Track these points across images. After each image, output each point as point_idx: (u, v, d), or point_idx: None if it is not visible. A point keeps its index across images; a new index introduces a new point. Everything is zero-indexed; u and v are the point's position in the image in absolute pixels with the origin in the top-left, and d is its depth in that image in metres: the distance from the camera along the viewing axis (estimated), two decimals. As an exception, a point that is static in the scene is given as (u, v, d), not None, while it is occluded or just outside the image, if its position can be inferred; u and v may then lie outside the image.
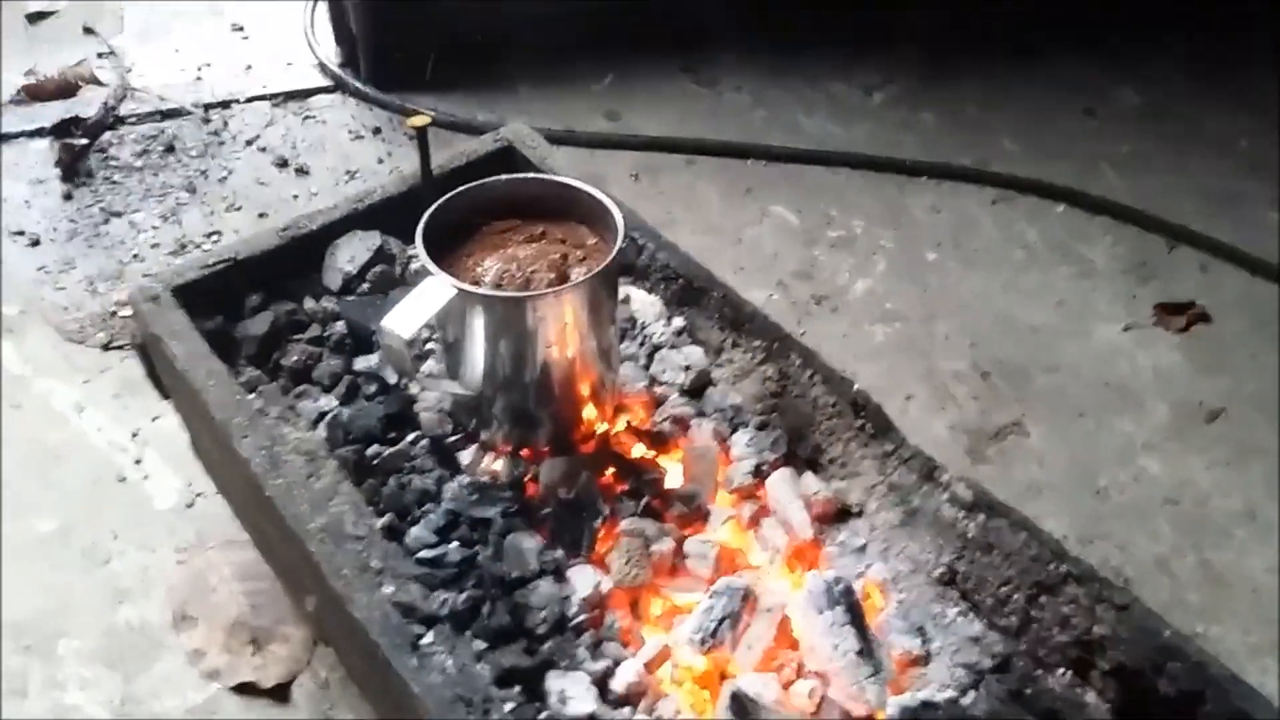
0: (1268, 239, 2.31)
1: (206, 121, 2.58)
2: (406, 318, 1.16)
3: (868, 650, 1.13)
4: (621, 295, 1.44)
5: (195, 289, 1.43)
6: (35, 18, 2.90)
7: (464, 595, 1.16)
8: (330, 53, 2.77)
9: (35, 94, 2.63)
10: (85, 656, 1.62)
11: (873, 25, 2.84)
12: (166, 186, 2.41)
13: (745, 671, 1.15)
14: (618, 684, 1.12)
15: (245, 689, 1.57)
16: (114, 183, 2.41)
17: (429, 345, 1.43)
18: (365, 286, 1.49)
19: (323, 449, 1.30)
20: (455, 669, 1.10)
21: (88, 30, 2.86)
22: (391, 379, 1.39)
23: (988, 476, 1.82)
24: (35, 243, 2.27)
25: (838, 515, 1.31)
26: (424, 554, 1.20)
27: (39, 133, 2.52)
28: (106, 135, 2.51)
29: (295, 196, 2.40)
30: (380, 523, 1.22)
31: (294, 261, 1.50)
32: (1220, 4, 2.83)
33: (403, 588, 1.15)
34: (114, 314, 2.10)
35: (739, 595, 1.17)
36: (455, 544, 1.21)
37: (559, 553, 1.22)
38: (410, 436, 1.33)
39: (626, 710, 1.12)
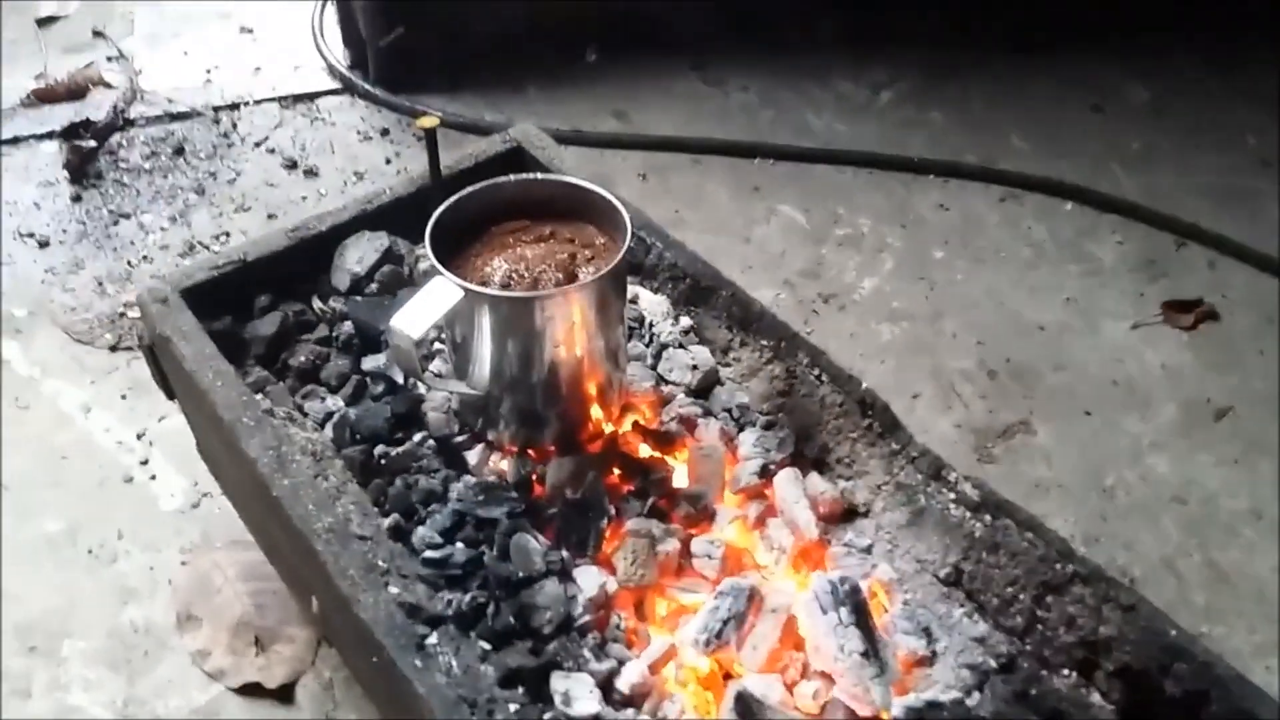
0: (1276, 236, 2.30)
1: (215, 124, 2.59)
2: (415, 318, 1.16)
3: (873, 651, 1.13)
4: (630, 295, 1.44)
5: (204, 290, 1.43)
6: (45, 21, 2.92)
7: (469, 596, 1.16)
8: (339, 55, 2.77)
9: (45, 97, 2.64)
10: (90, 657, 1.63)
11: (880, 24, 2.83)
12: (175, 188, 2.42)
13: (750, 672, 1.15)
14: (622, 685, 1.12)
15: (249, 690, 1.58)
16: (123, 185, 2.42)
17: (436, 345, 1.43)
18: (373, 287, 1.49)
19: (329, 449, 1.30)
20: (460, 670, 1.10)
21: (97, 33, 2.87)
22: (399, 379, 1.39)
23: (994, 475, 1.82)
24: (44, 244, 2.28)
25: (844, 515, 1.31)
26: (430, 554, 1.20)
27: (48, 135, 2.54)
28: (115, 137, 2.52)
29: (304, 198, 2.41)
30: (386, 523, 1.23)
31: (302, 262, 1.51)
32: (1228, 1, 2.82)
33: (408, 588, 1.15)
34: (122, 315, 2.11)
35: (744, 595, 1.17)
36: (461, 544, 1.21)
37: (565, 553, 1.22)
38: (417, 437, 1.33)
39: (631, 711, 1.12)
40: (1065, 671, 1.14)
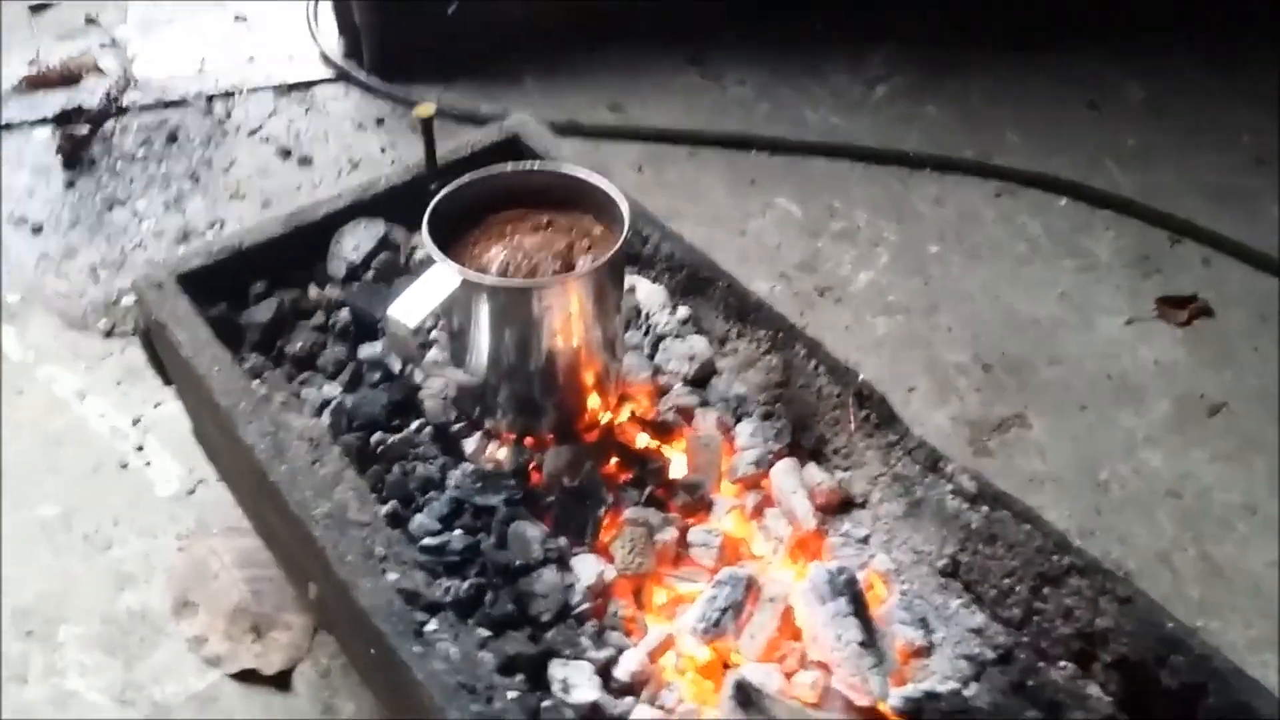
0: (1271, 233, 2.31)
1: (209, 112, 2.58)
2: (412, 306, 1.16)
3: (871, 641, 1.13)
4: (627, 285, 1.44)
5: (200, 276, 1.43)
6: (38, 8, 2.90)
7: (467, 583, 1.16)
8: (333, 43, 2.76)
9: (38, 83, 2.63)
10: (86, 643, 1.62)
11: (876, 19, 2.83)
12: (169, 176, 2.41)
13: (748, 661, 1.15)
14: (621, 673, 1.13)
15: (246, 676, 1.58)
16: (116, 171, 2.41)
17: (433, 333, 1.43)
18: (370, 275, 1.49)
19: (327, 436, 1.30)
20: (458, 656, 1.10)
21: (90, 20, 2.86)
22: (395, 367, 1.39)
23: (989, 469, 1.81)
24: (38, 230, 2.27)
25: (841, 506, 1.31)
26: (428, 541, 1.20)
27: (42, 122, 2.52)
28: (109, 124, 2.51)
29: (298, 187, 2.40)
30: (384, 510, 1.22)
31: (299, 250, 1.50)
32: (1227, 0, 2.83)
33: (406, 575, 1.15)
34: (116, 301, 2.10)
35: (742, 585, 1.17)
36: (459, 532, 1.21)
37: (562, 541, 1.22)
38: (414, 424, 1.33)
39: (629, 699, 1.12)
40: (1062, 663, 1.15)
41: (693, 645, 1.17)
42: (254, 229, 1.51)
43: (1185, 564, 1.76)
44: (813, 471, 1.32)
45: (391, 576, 1.14)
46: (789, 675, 1.14)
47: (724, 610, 1.16)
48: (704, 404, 1.39)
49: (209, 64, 2.73)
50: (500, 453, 1.31)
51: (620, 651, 1.14)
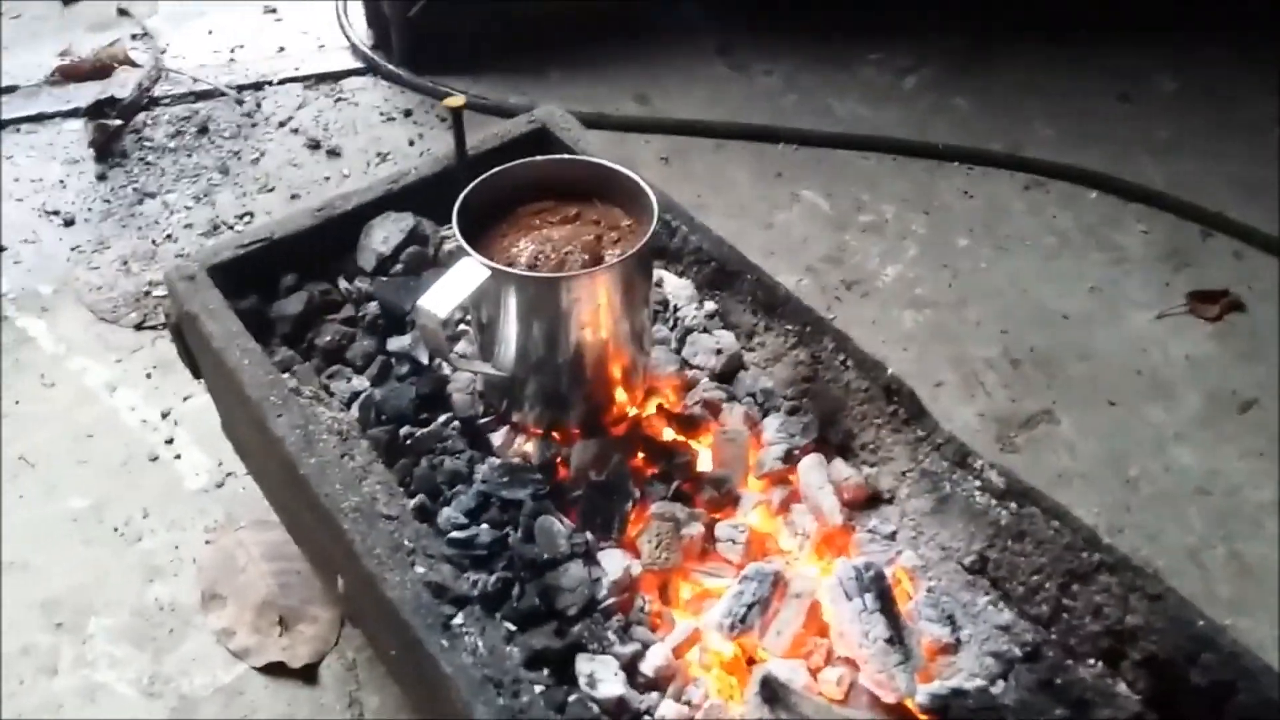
0: (1304, 228, 2.29)
1: (239, 103, 2.59)
2: (442, 297, 1.16)
3: (898, 637, 1.12)
4: (654, 278, 1.44)
5: (230, 268, 1.44)
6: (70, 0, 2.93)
7: (494, 577, 1.16)
8: (362, 35, 2.77)
9: (70, 75, 2.65)
10: (115, 634, 1.64)
11: (905, 9, 2.82)
12: (200, 167, 2.42)
13: (774, 657, 1.15)
14: (647, 668, 1.12)
15: (273, 669, 1.59)
16: (148, 163, 2.43)
17: (461, 326, 1.43)
18: (399, 267, 1.49)
19: (355, 429, 1.30)
20: (485, 650, 1.10)
21: (122, 12, 2.89)
22: (424, 360, 1.39)
23: (1017, 465, 1.79)
24: (70, 222, 2.29)
25: (868, 501, 1.30)
26: (455, 535, 1.20)
27: (74, 113, 2.55)
28: (140, 116, 2.53)
29: (327, 178, 2.41)
30: (412, 503, 1.23)
31: (328, 242, 1.51)
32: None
33: (434, 568, 1.15)
34: (147, 294, 2.12)
35: (769, 580, 1.17)
36: (486, 525, 1.21)
37: (589, 535, 1.22)
38: (442, 418, 1.33)
39: (655, 694, 1.12)
40: (1091, 661, 1.14)
41: (719, 641, 1.17)
42: (284, 221, 1.51)
43: (1214, 562, 1.75)
44: (840, 466, 1.31)
45: (419, 570, 1.14)
46: (815, 671, 1.14)
47: (750, 606, 1.16)
48: (731, 398, 1.39)
49: (239, 55, 2.75)
50: (527, 446, 1.31)
51: (646, 647, 1.14)
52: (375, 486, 1.22)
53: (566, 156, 1.46)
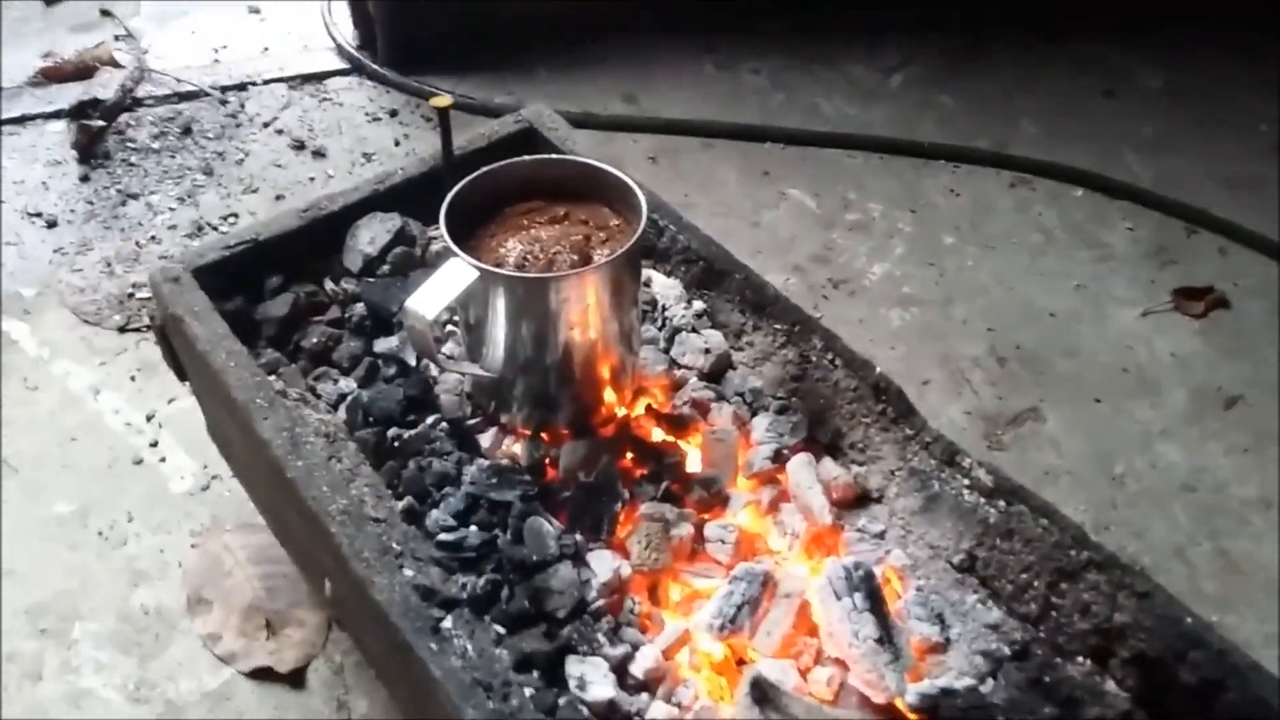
0: (1289, 225, 2.30)
1: (223, 104, 2.58)
2: (430, 298, 1.15)
3: (887, 637, 1.13)
4: (643, 278, 1.44)
5: (216, 270, 1.43)
6: (52, 0, 2.91)
7: (483, 579, 1.16)
8: (347, 35, 2.76)
9: (53, 76, 2.64)
10: (100, 640, 1.63)
11: (892, 8, 2.82)
12: (183, 168, 2.41)
13: (764, 658, 1.15)
14: (637, 670, 1.12)
15: (260, 674, 1.58)
16: (131, 164, 2.41)
17: (449, 327, 1.43)
18: (386, 268, 1.48)
19: (342, 431, 1.30)
20: (475, 653, 1.09)
21: (105, 13, 2.87)
22: (411, 361, 1.38)
23: (1004, 462, 1.79)
24: (52, 224, 2.28)
25: (857, 500, 1.30)
26: (444, 537, 1.19)
27: (56, 114, 2.54)
28: (124, 117, 2.52)
29: (312, 179, 2.40)
30: (400, 505, 1.22)
31: (314, 243, 1.50)
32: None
33: (423, 571, 1.15)
34: (131, 296, 2.11)
35: (758, 581, 1.17)
36: (474, 527, 1.21)
37: (578, 537, 1.21)
38: (430, 419, 1.32)
39: (645, 696, 1.11)
40: (1080, 659, 1.14)
41: (708, 642, 1.17)
42: (270, 222, 1.50)
43: (1201, 558, 1.76)
44: (829, 466, 1.31)
45: (408, 572, 1.14)
46: (805, 672, 1.14)
47: (740, 606, 1.15)
48: (720, 398, 1.38)
49: (223, 56, 2.74)
50: (516, 448, 1.31)
51: (636, 648, 1.14)
52: (363, 489, 1.22)
53: (555, 156, 1.46)
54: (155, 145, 2.46)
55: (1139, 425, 1.95)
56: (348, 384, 1.38)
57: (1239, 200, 2.36)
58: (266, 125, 2.54)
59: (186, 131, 2.50)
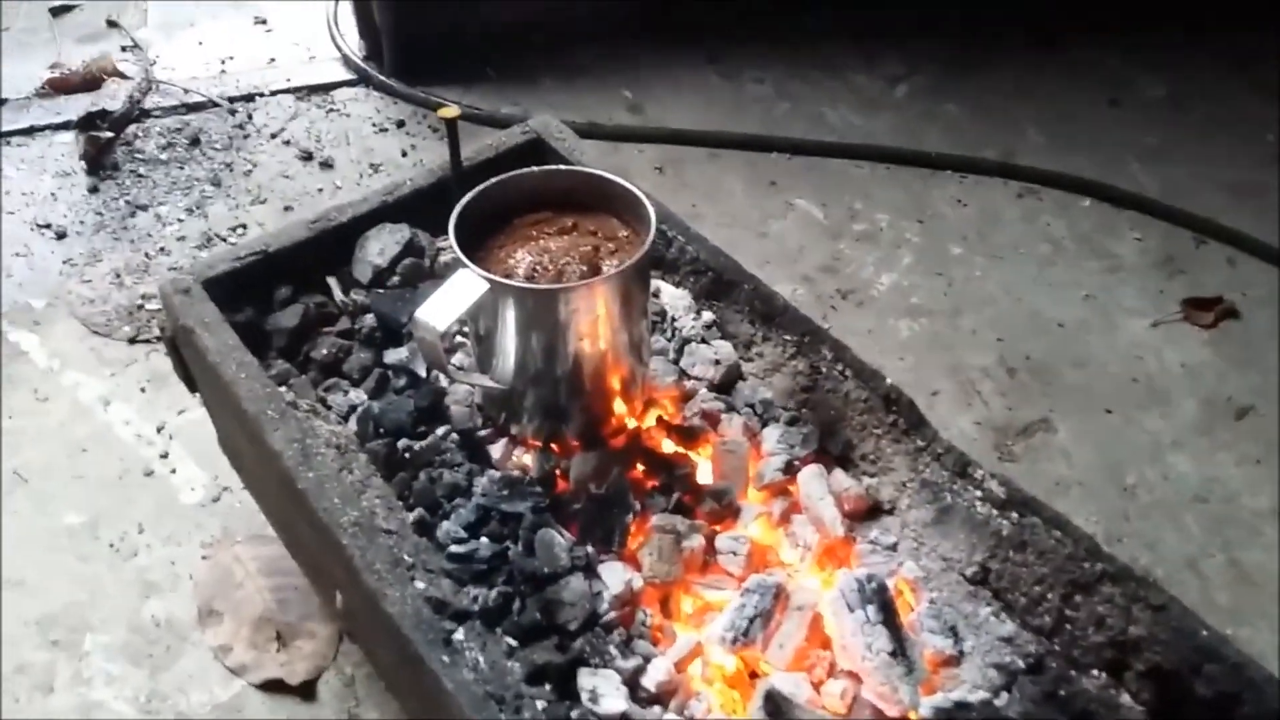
0: (1298, 234, 2.30)
1: (231, 114, 2.59)
2: (440, 309, 1.15)
3: (901, 650, 1.12)
4: (652, 288, 1.44)
5: (225, 281, 1.43)
6: (59, 11, 2.92)
7: (495, 591, 1.15)
8: (354, 45, 2.77)
9: (60, 87, 2.64)
10: (111, 651, 1.63)
11: (895, 16, 2.82)
12: (191, 179, 2.42)
13: (777, 671, 1.14)
14: (649, 682, 1.11)
15: (271, 686, 1.58)
16: (139, 176, 2.42)
17: (459, 338, 1.43)
18: (395, 279, 1.48)
19: (353, 443, 1.30)
20: (487, 666, 1.09)
21: (111, 23, 2.88)
22: (421, 372, 1.38)
23: (1015, 474, 1.79)
24: (62, 236, 2.28)
25: (869, 512, 1.30)
26: (455, 549, 1.19)
27: (64, 126, 2.54)
28: (131, 128, 2.52)
29: (319, 190, 2.41)
30: (411, 517, 1.22)
31: (323, 254, 1.50)
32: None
33: (434, 583, 1.15)
34: (140, 307, 2.11)
35: (771, 593, 1.17)
36: (486, 539, 1.20)
37: (589, 548, 1.21)
38: (440, 430, 1.32)
39: (658, 709, 1.11)
40: (1094, 672, 1.14)
41: (721, 654, 1.16)
42: (279, 233, 1.50)
43: (1213, 570, 1.75)
44: (840, 477, 1.31)
45: (419, 585, 1.14)
46: (818, 685, 1.13)
47: (752, 619, 1.15)
48: (730, 409, 1.38)
49: (230, 67, 2.75)
50: (526, 459, 1.31)
51: (648, 661, 1.13)
52: (374, 500, 1.22)
53: (563, 167, 1.46)
54: (163, 156, 2.47)
55: (1149, 436, 1.95)
56: (358, 395, 1.38)
57: (1246, 209, 2.36)
58: (274, 136, 2.54)
59: (194, 142, 2.50)
